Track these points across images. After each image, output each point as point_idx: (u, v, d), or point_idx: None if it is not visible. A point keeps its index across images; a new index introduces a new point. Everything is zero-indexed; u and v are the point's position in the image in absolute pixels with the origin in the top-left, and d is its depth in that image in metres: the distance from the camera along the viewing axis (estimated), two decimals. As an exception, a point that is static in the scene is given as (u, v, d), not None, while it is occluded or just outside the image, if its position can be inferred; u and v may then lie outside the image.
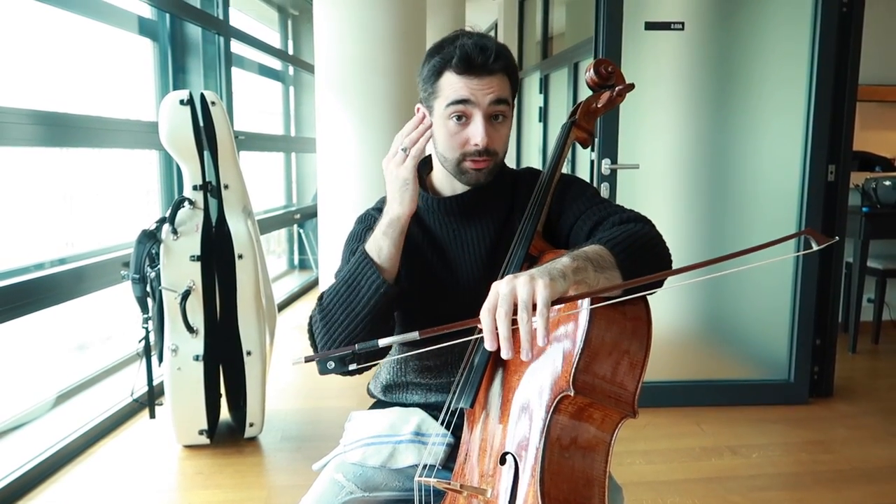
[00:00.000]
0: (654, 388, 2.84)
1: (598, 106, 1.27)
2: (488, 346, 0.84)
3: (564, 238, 1.18)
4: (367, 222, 1.25)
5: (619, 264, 0.97)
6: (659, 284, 1.02)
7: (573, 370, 0.91)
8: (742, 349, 3.05)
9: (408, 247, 1.21)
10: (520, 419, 0.97)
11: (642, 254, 1.01)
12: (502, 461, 0.97)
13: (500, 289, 0.84)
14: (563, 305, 0.88)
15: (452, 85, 1.11)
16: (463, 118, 1.12)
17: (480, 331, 0.85)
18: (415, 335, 0.90)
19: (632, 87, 1.26)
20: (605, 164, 2.75)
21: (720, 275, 0.90)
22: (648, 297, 1.00)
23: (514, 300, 0.83)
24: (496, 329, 0.83)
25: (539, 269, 0.87)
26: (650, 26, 2.73)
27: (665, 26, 2.73)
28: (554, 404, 0.92)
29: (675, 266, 1.05)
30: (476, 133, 1.12)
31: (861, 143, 3.72)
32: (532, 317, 0.82)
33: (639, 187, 2.81)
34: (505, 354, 0.83)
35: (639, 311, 0.98)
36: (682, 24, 2.73)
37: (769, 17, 2.78)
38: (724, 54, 2.82)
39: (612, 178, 2.77)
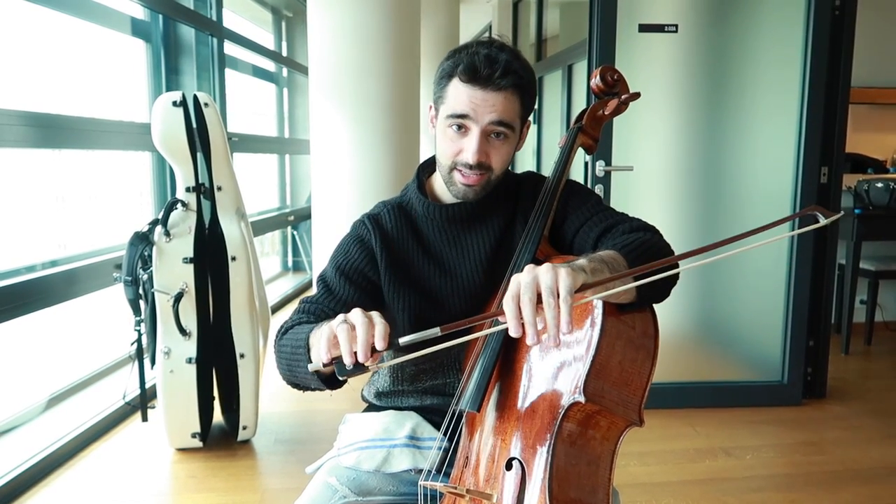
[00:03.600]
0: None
1: (605, 113, 1.27)
2: (513, 332, 0.82)
3: (568, 244, 1.18)
4: (360, 232, 1.23)
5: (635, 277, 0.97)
6: (666, 294, 1.03)
7: (584, 378, 0.91)
8: (735, 351, 3.06)
9: (402, 258, 1.20)
10: (527, 424, 0.97)
11: (657, 266, 1.01)
12: (508, 466, 0.97)
13: (521, 278, 0.83)
14: (580, 296, 0.85)
15: (457, 95, 1.10)
16: (462, 128, 1.12)
17: (500, 322, 0.84)
18: (436, 331, 0.86)
19: (637, 95, 1.27)
20: (599, 166, 2.75)
21: (729, 255, 0.89)
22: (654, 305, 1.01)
23: (537, 288, 0.82)
24: (520, 316, 0.82)
25: (558, 263, 0.87)
26: (644, 28, 2.73)
27: (659, 28, 2.74)
28: (563, 411, 0.92)
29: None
30: (469, 147, 1.11)
31: (853, 145, 3.74)
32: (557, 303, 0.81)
33: (633, 189, 2.81)
34: (530, 340, 0.81)
35: (647, 320, 0.99)
36: (676, 26, 2.73)
37: (762, 19, 2.79)
38: (718, 56, 2.83)
39: (605, 180, 2.77)
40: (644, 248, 1.02)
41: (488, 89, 1.08)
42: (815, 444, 2.63)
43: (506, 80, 1.08)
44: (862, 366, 3.64)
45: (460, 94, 1.10)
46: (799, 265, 2.87)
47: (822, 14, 2.74)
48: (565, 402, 0.93)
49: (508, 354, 1.05)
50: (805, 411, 2.93)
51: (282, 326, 1.14)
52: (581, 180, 3.00)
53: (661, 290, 1.02)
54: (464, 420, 1.09)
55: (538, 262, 1.10)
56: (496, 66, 1.07)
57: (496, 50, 1.10)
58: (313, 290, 1.24)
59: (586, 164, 2.84)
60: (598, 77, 1.27)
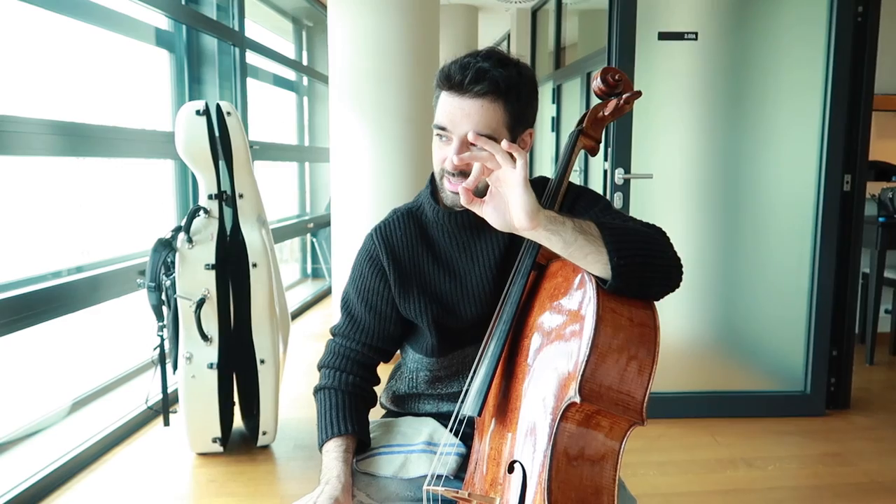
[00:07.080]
0: (668, 399, 2.82)
1: (605, 114, 1.26)
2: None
3: None
4: (369, 248, 1.26)
5: (605, 240, 0.95)
6: (650, 281, 0.97)
7: (580, 377, 0.91)
8: (757, 360, 3.02)
9: (412, 267, 1.22)
10: (527, 427, 0.97)
11: (635, 242, 0.97)
12: (510, 469, 0.97)
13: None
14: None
15: (441, 105, 1.12)
16: (445, 138, 1.13)
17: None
18: None
19: (638, 94, 1.25)
20: (619, 174, 2.75)
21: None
22: (656, 304, 0.99)
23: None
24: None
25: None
26: (663, 36, 2.72)
27: (678, 36, 2.73)
28: (561, 412, 0.92)
29: (686, 275, 1.03)
30: (450, 155, 1.11)
31: (877, 152, 3.69)
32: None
33: (652, 197, 2.80)
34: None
35: (646, 316, 0.97)
36: (696, 34, 2.72)
37: (783, 26, 2.77)
38: (738, 64, 2.81)
39: (625, 188, 2.76)
40: (625, 229, 0.98)
41: (465, 96, 1.08)
42: (839, 455, 2.59)
43: (479, 85, 1.07)
44: (887, 376, 3.57)
45: (443, 105, 1.11)
46: (822, 274, 2.83)
47: (845, 20, 2.72)
48: (562, 403, 0.93)
49: (510, 358, 1.06)
50: (828, 422, 2.89)
51: (319, 365, 1.29)
52: (600, 188, 2.99)
53: (639, 266, 0.95)
54: (475, 424, 1.10)
55: (540, 266, 1.11)
56: (467, 72, 1.07)
57: (479, 58, 1.09)
58: (337, 314, 1.31)
59: (605, 171, 2.84)
60: (598, 79, 1.26)
